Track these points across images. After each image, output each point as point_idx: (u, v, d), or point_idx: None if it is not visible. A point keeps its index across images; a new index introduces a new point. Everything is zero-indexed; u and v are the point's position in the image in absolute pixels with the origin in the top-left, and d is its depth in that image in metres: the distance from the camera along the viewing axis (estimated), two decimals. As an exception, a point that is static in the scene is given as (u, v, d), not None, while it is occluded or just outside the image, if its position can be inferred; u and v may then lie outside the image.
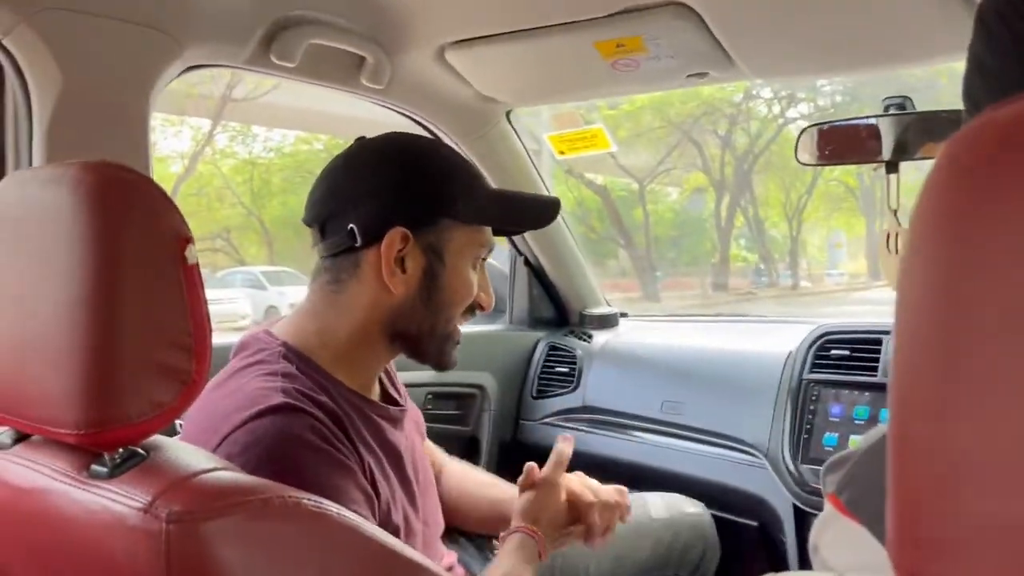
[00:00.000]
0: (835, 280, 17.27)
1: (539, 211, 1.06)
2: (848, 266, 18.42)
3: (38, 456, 0.69)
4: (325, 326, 0.96)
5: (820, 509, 1.55)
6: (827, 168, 16.33)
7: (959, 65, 0.60)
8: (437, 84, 1.53)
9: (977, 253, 0.32)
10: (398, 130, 1.04)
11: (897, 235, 1.41)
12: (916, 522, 0.35)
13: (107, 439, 0.63)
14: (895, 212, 1.41)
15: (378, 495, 0.90)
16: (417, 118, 1.61)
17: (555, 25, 1.29)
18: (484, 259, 1.02)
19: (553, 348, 2.01)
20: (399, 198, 0.94)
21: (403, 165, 0.95)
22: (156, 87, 1.10)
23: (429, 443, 1.24)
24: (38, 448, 0.71)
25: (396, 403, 1.05)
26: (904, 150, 1.39)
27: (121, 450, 0.64)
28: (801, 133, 1.46)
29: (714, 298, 14.24)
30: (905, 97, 1.40)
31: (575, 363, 1.95)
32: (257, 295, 10.20)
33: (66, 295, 0.62)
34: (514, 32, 1.33)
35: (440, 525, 1.09)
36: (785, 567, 1.60)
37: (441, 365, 1.01)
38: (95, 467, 0.64)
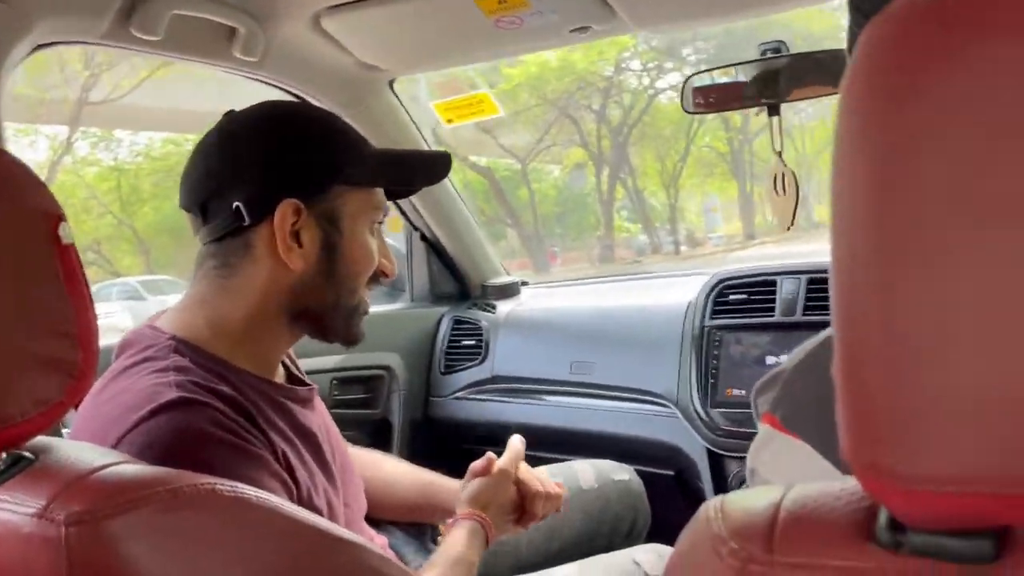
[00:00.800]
0: (714, 243, 17.91)
1: (430, 167, 1.02)
2: (724, 228, 19.13)
3: None
4: (218, 314, 0.89)
5: (733, 451, 1.60)
6: (699, 134, 16.92)
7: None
8: (315, 54, 1.47)
9: (906, 129, 0.33)
10: None
11: (784, 176, 1.43)
12: (871, 415, 0.34)
13: None
14: (779, 154, 1.43)
15: (296, 482, 0.85)
16: (296, 91, 1.53)
17: None
18: (380, 223, 0.97)
19: (458, 322, 1.99)
20: (285, 168, 0.88)
21: (283, 133, 0.89)
22: (5, 67, 1.00)
23: None
24: None
25: (303, 383, 0.99)
26: (784, 92, 1.41)
27: (4, 455, 0.57)
28: (685, 83, 1.47)
29: (602, 269, 14.54)
30: (780, 41, 1.42)
31: (481, 335, 1.93)
32: (136, 307, 9.77)
33: None
34: None
35: (363, 507, 1.05)
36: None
37: (349, 340, 0.96)
38: None
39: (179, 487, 0.57)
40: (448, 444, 1.90)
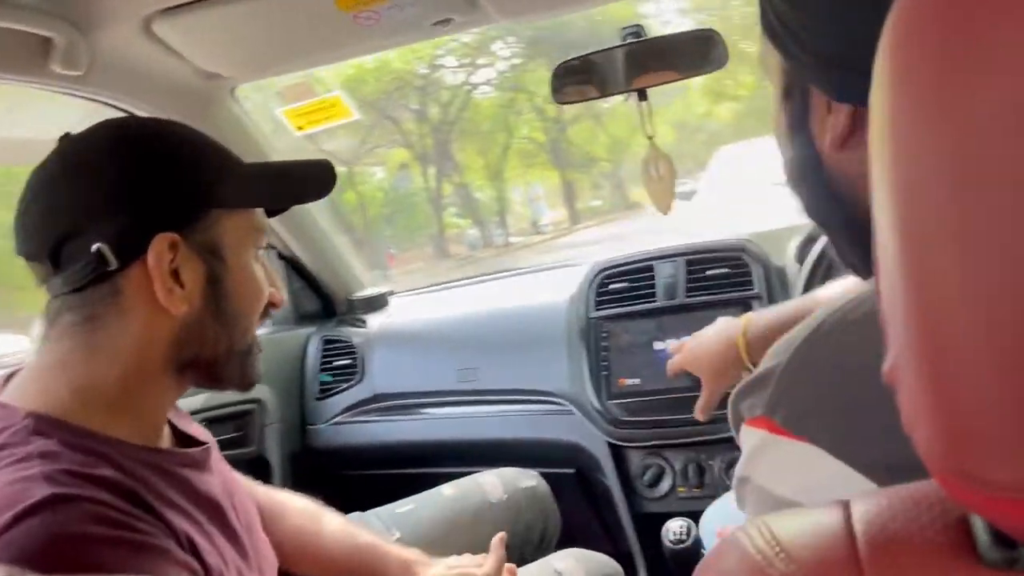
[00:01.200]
0: (542, 230, 18.38)
1: (316, 177, 0.90)
2: (549, 216, 19.66)
3: None
4: (84, 378, 0.75)
5: (634, 441, 1.60)
6: (516, 127, 17.35)
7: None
8: (147, 63, 1.31)
9: (970, 64, 0.29)
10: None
11: (657, 161, 1.43)
12: (962, 412, 0.30)
13: None
14: (651, 139, 1.43)
15: (206, 567, 0.73)
16: (126, 106, 1.37)
17: None
18: (263, 248, 0.87)
19: (327, 341, 1.89)
20: (152, 197, 0.76)
21: (142, 155, 0.77)
22: None
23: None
24: None
25: (195, 441, 0.87)
26: (650, 70, 1.41)
27: None
28: (553, 74, 1.44)
29: (438, 267, 14.62)
30: (638, 25, 1.42)
31: (355, 353, 1.85)
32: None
33: None
34: None
35: (274, 565, 0.94)
36: (608, 504, 1.63)
37: (246, 384, 0.85)
38: None
39: None
40: (331, 473, 1.80)
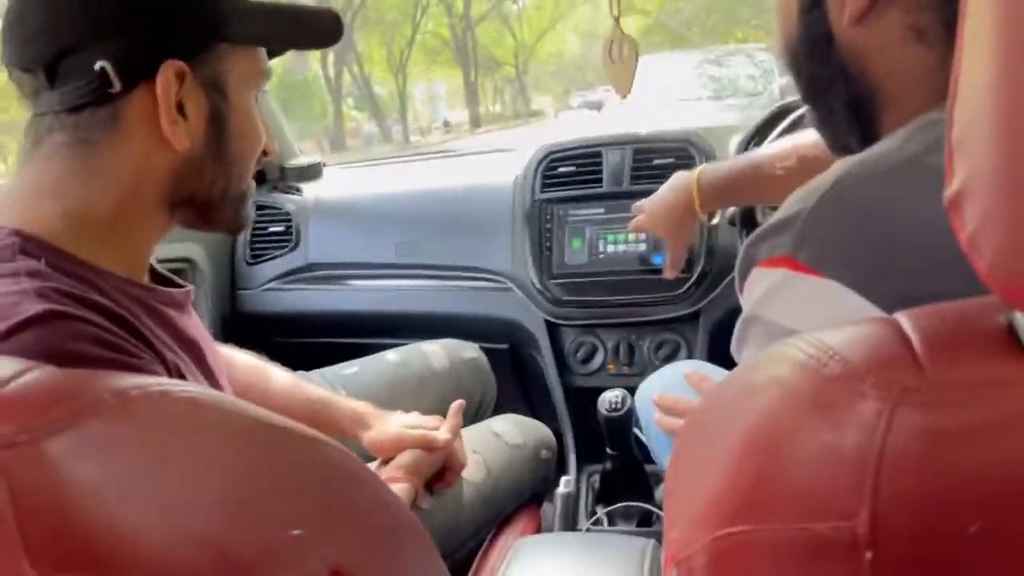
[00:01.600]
0: (441, 136, 18.08)
1: (323, 25, 0.85)
2: (451, 118, 19.37)
3: None
4: (76, 203, 0.71)
5: (569, 319, 1.64)
6: (423, 21, 16.82)
7: None
8: None
9: None
10: None
11: (620, 43, 1.43)
12: None
13: None
14: (617, 19, 1.42)
15: None
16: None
17: None
18: (263, 91, 0.84)
19: (260, 207, 1.82)
20: (162, 20, 0.71)
21: None
22: None
23: None
24: None
25: (174, 283, 0.84)
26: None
27: None
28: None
29: (334, 159, 14.29)
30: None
31: (290, 220, 1.80)
32: None
33: None
34: None
35: None
36: (540, 379, 1.67)
37: (237, 228, 0.84)
38: None
39: (126, 389, 0.47)
40: (263, 339, 1.77)
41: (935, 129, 0.54)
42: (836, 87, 0.64)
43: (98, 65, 0.68)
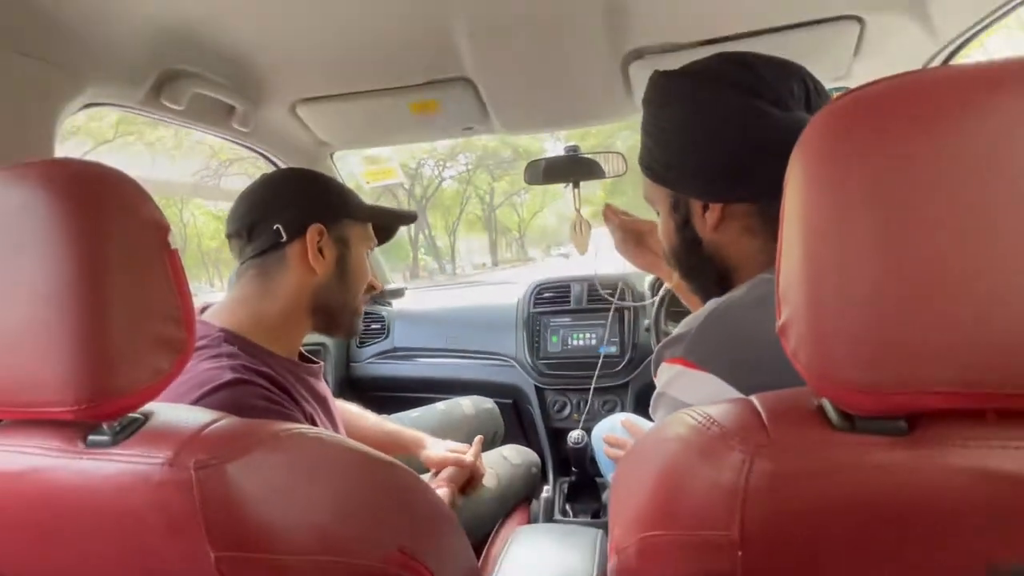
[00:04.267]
0: (474, 270, 18.26)
1: (406, 215, 0.91)
2: (481, 260, 19.55)
3: (13, 441, 0.43)
4: (258, 310, 0.73)
5: (550, 385, 1.59)
6: (468, 199, 17.33)
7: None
8: (288, 130, 1.27)
9: (837, 191, 0.31)
10: None
11: (581, 224, 1.46)
12: (831, 349, 0.32)
13: (109, 409, 0.41)
14: (579, 210, 1.46)
15: None
16: (269, 155, 1.31)
17: (380, 90, 1.12)
18: (371, 250, 0.85)
19: (367, 313, 1.81)
20: (312, 203, 0.74)
21: (308, 182, 0.76)
22: (59, 119, 0.75)
23: None
24: (10, 433, 0.44)
25: (313, 360, 0.83)
26: (580, 174, 1.43)
27: (120, 418, 0.42)
28: (528, 165, 1.45)
29: (411, 284, 14.43)
30: (576, 145, 1.45)
31: (384, 321, 1.78)
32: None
33: (51, 284, 0.38)
34: (350, 94, 1.13)
35: None
36: (531, 422, 1.62)
37: (350, 334, 0.82)
38: (93, 437, 0.42)
39: (278, 432, 0.45)
40: (364, 393, 1.74)
41: (766, 284, 0.55)
42: (706, 268, 0.63)
43: (275, 227, 0.71)
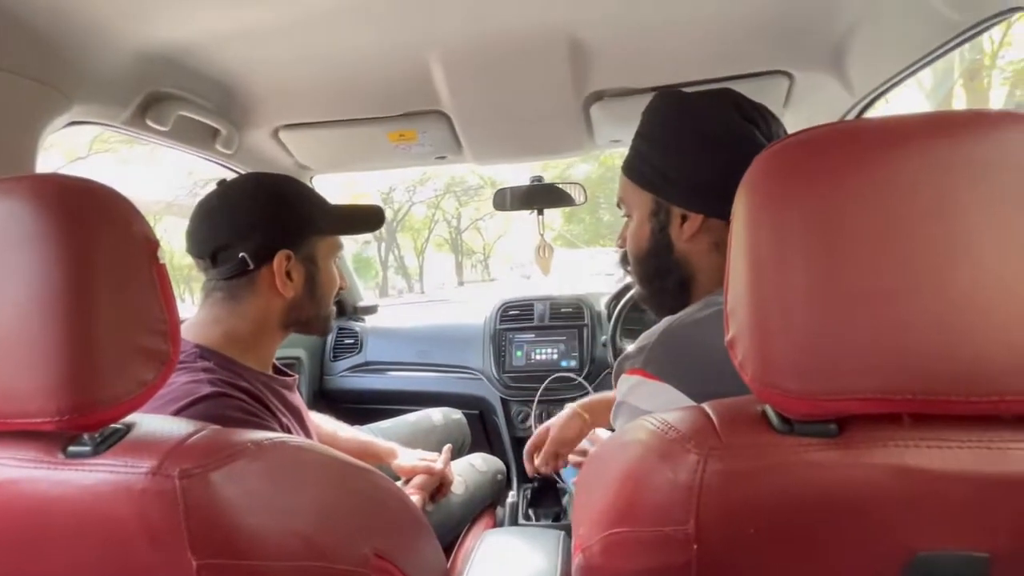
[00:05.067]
0: (439, 286, 18.14)
1: (372, 217, 0.84)
2: (448, 279, 19.44)
3: None
4: (230, 329, 0.70)
5: (514, 397, 1.59)
6: (436, 223, 17.36)
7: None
8: (270, 153, 1.24)
9: (776, 228, 0.33)
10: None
11: (544, 248, 1.48)
12: (773, 360, 0.33)
13: (92, 420, 0.39)
14: (542, 235, 1.48)
15: None
16: (250, 176, 1.28)
17: (360, 119, 1.12)
18: (340, 257, 0.82)
19: (341, 329, 1.77)
20: (276, 228, 0.71)
21: (270, 202, 0.71)
22: (43, 136, 0.72)
23: None
24: None
25: (287, 373, 0.81)
26: (543, 202, 1.46)
27: (102, 429, 0.40)
28: (496, 193, 1.47)
29: (383, 302, 14.22)
30: (540, 176, 1.48)
31: (357, 336, 1.74)
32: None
33: (37, 296, 0.37)
34: (331, 122, 1.12)
35: None
36: (497, 432, 1.61)
37: (325, 333, 0.80)
38: (73, 448, 0.40)
39: (260, 441, 0.43)
40: (338, 406, 1.69)
41: (715, 303, 0.56)
42: (671, 275, 0.63)
43: (240, 255, 0.68)
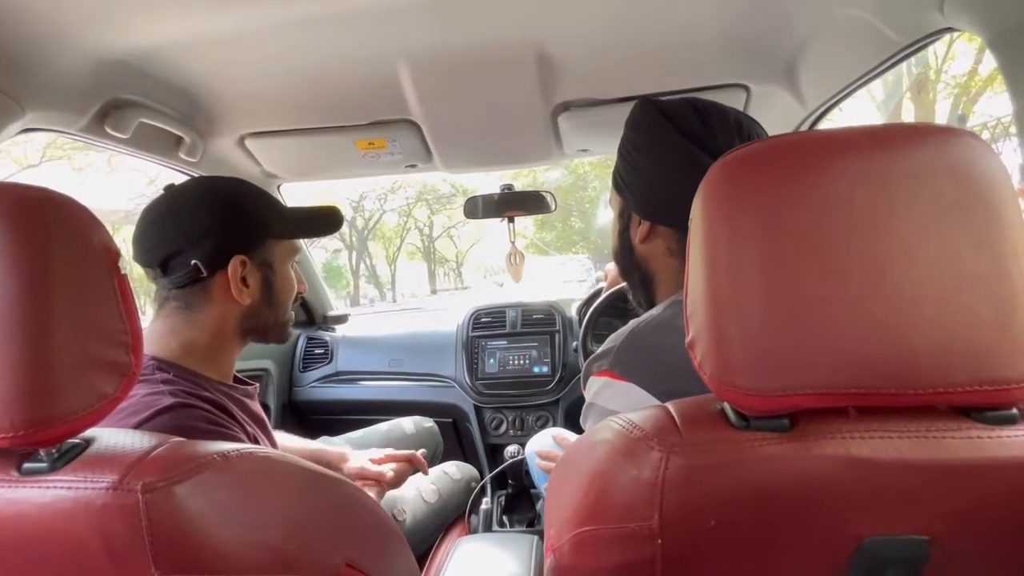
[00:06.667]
0: (412, 294, 17.95)
1: (330, 219, 0.79)
2: (420, 288, 19.28)
3: None
4: (187, 340, 0.67)
5: (487, 404, 1.58)
6: (408, 231, 17.25)
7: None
8: (236, 162, 1.21)
9: (734, 221, 0.34)
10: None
11: (515, 255, 1.49)
12: (731, 360, 0.34)
13: (48, 436, 0.37)
14: (513, 243, 1.49)
15: None
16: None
17: (328, 127, 1.11)
18: (296, 259, 0.79)
19: (310, 339, 1.73)
20: (230, 233, 0.68)
21: (223, 205, 0.68)
22: None
23: None
24: None
25: (247, 382, 0.79)
26: (514, 209, 1.47)
27: (59, 444, 0.39)
28: (467, 201, 1.47)
29: (354, 311, 14.00)
30: (510, 184, 1.49)
31: (327, 346, 1.71)
32: None
33: None
34: (298, 130, 1.11)
35: None
36: (470, 439, 1.60)
37: (282, 340, 0.77)
38: (29, 465, 0.38)
39: (226, 452, 0.43)
40: (308, 416, 1.65)
41: (677, 306, 0.57)
42: (635, 273, 0.66)
43: (193, 262, 0.66)
